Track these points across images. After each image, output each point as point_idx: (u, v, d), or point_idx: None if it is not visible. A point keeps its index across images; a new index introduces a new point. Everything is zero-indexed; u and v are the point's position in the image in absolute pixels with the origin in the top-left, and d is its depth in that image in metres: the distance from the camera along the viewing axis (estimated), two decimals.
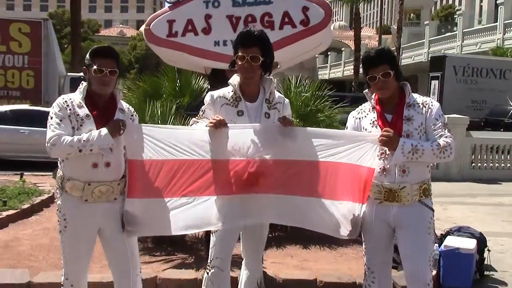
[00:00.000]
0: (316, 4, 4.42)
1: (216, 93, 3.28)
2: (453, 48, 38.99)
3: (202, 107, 3.31)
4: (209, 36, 4.43)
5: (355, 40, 33.97)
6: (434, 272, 3.27)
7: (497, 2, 35.41)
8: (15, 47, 16.69)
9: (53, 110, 3.04)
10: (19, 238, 5.59)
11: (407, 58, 37.78)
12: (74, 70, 20.05)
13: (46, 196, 7.30)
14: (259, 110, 3.23)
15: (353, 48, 37.87)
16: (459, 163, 11.35)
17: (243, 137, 3.13)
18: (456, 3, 68.43)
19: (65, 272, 3.17)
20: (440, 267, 4.55)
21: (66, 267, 3.16)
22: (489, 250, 5.07)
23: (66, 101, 3.06)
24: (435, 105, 3.14)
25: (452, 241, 4.69)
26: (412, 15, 60.93)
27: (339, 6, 71.77)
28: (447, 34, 41.62)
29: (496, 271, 5.10)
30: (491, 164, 12.04)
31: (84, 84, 3.15)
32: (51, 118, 3.01)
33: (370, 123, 3.20)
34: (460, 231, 5.03)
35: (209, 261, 3.28)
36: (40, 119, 8.16)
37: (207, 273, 3.27)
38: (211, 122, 3.10)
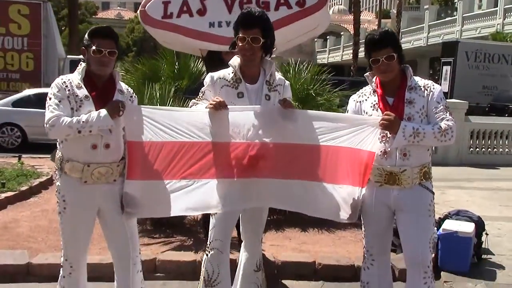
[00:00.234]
0: None
1: (216, 74, 3.25)
2: (452, 33, 38.77)
3: (202, 89, 3.29)
4: (204, 18, 4.40)
5: (354, 24, 33.66)
6: (433, 255, 3.26)
7: None
8: (15, 29, 16.56)
9: (51, 90, 3.02)
10: (17, 220, 5.59)
11: (406, 43, 37.55)
12: (71, 52, 19.94)
13: (44, 178, 7.29)
14: (259, 92, 3.21)
15: (352, 32, 37.63)
16: (457, 148, 11.35)
17: (243, 119, 3.11)
18: None
19: (65, 253, 3.17)
20: (438, 250, 4.57)
21: (66, 248, 3.16)
22: (487, 234, 5.09)
23: (64, 82, 3.04)
24: (437, 88, 3.12)
25: (450, 225, 4.70)
26: None
27: None
28: (447, 19, 41.38)
29: (494, 254, 5.11)
30: (489, 149, 12.04)
31: (83, 65, 3.12)
32: (50, 99, 2.99)
33: (371, 106, 3.18)
34: (458, 214, 5.04)
35: (208, 243, 3.28)
36: None
37: (207, 255, 3.27)
38: (211, 104, 3.08)
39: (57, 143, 3.11)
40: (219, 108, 3.06)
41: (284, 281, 4.24)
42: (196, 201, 3.13)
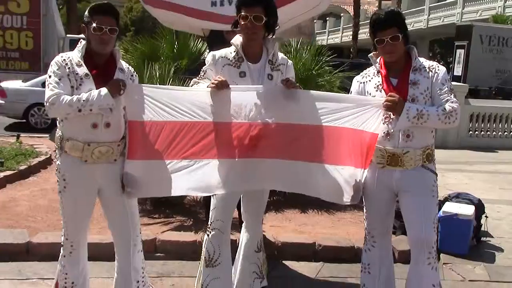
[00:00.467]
0: None
1: (218, 53, 3.20)
2: (453, 16, 38.52)
3: (203, 67, 3.24)
4: None
5: (354, 5, 33.36)
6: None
7: None
8: (14, 7, 16.35)
9: (51, 68, 2.97)
10: (16, 199, 5.58)
11: (407, 25, 37.30)
12: (70, 31, 19.77)
13: (43, 157, 7.26)
14: (261, 71, 3.17)
15: (352, 14, 37.35)
16: (456, 131, 11.32)
17: (245, 99, 3.08)
18: None
19: (65, 232, 3.15)
20: (438, 232, 4.57)
21: (66, 227, 3.14)
22: (486, 217, 5.10)
23: (64, 60, 2.99)
24: (442, 69, 3.08)
25: (450, 207, 4.70)
26: None
27: None
28: (447, 1, 41.06)
29: (493, 237, 5.14)
30: (488, 132, 12.04)
31: (83, 43, 3.06)
32: (50, 76, 2.94)
33: (375, 87, 3.14)
34: (458, 197, 5.04)
35: (209, 223, 3.27)
36: None
37: (208, 235, 3.27)
38: (212, 83, 3.04)
39: (57, 122, 3.07)
40: (221, 87, 3.02)
41: (284, 262, 4.24)
42: (197, 181, 3.10)
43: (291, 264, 4.24)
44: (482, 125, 12.03)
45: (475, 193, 5.76)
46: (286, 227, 5.03)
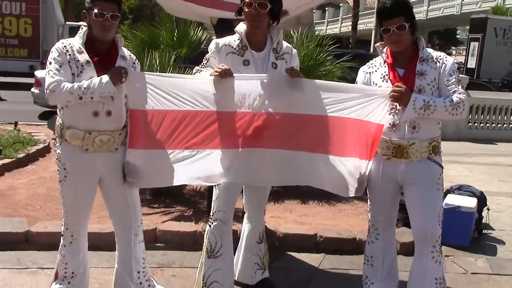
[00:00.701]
0: None
1: (222, 41, 3.15)
2: (452, 7, 38.40)
3: (206, 55, 3.19)
4: None
5: None
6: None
7: None
8: None
9: (52, 55, 2.91)
10: (15, 187, 5.52)
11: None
12: (67, 19, 19.59)
13: (41, 145, 7.18)
14: (266, 60, 3.12)
15: (351, 4, 37.16)
16: (455, 122, 11.28)
17: (249, 88, 3.03)
18: None
19: (65, 222, 3.11)
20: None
21: (66, 217, 3.09)
22: (488, 209, 5.08)
23: (65, 46, 2.93)
24: (449, 60, 3.03)
25: (453, 199, 4.67)
26: None
27: None
28: None
29: (494, 229, 5.12)
30: (487, 124, 12.01)
31: (84, 29, 3.00)
32: (50, 63, 2.88)
33: (381, 78, 3.09)
34: (460, 189, 5.01)
35: (211, 214, 3.24)
36: None
37: (210, 226, 3.23)
38: (216, 71, 2.99)
39: (58, 110, 3.02)
40: (224, 76, 2.97)
41: (285, 253, 4.21)
42: (199, 171, 3.06)
43: (292, 255, 4.21)
44: (482, 117, 12.00)
45: (474, 185, 5.73)
46: (286, 218, 5.00)
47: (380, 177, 3.13)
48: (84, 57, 2.92)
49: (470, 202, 4.65)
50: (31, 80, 15.81)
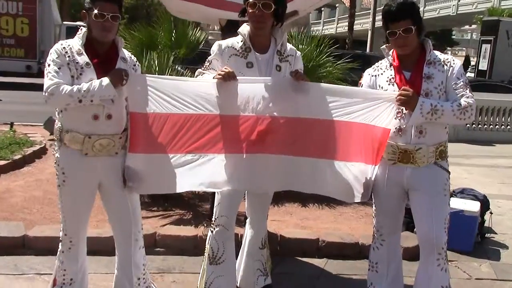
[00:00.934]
0: None
1: (224, 42, 3.08)
2: (448, 8, 38.48)
3: (209, 57, 3.12)
4: None
5: None
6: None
7: None
8: None
9: (50, 56, 2.83)
10: (11, 190, 5.43)
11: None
12: (62, 18, 19.50)
13: (38, 147, 7.07)
14: (270, 62, 3.05)
15: (347, 4, 37.16)
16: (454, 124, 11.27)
17: (253, 92, 2.96)
18: None
19: (64, 228, 3.04)
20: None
21: (65, 222, 3.02)
22: (491, 213, 5.03)
23: (64, 48, 2.85)
24: (457, 63, 2.97)
25: (456, 203, 4.62)
26: None
27: None
28: None
29: (496, 233, 5.08)
30: (485, 126, 11.98)
31: (83, 30, 2.93)
32: (49, 65, 2.81)
33: (387, 81, 3.03)
34: (463, 193, 4.96)
35: (213, 219, 3.17)
36: None
37: (212, 232, 3.17)
38: (219, 74, 2.92)
39: (56, 113, 2.95)
40: (228, 79, 2.90)
41: (287, 258, 4.14)
42: (202, 177, 2.99)
43: (294, 260, 4.14)
44: (480, 118, 11.97)
45: (475, 187, 5.69)
46: (287, 222, 4.94)
47: (386, 182, 3.07)
48: (83, 59, 2.85)
49: (474, 206, 4.60)
50: (27, 80, 15.80)
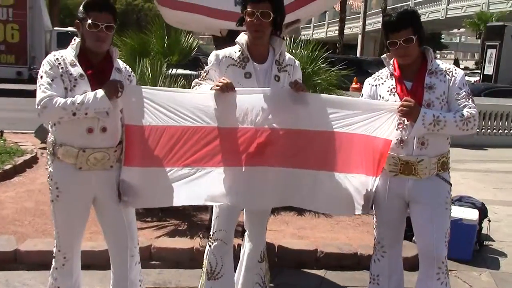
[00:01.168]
0: None
1: (222, 52, 3.01)
2: (438, 12, 38.77)
3: (206, 68, 3.05)
4: None
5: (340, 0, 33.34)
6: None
7: None
8: None
9: (43, 68, 2.75)
10: (2, 201, 5.31)
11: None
12: (52, 24, 19.36)
13: (29, 156, 6.94)
14: (268, 72, 2.98)
15: (337, 9, 37.28)
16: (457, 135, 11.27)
17: (251, 103, 2.89)
18: None
19: (57, 244, 2.94)
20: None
21: (58, 238, 2.93)
22: (489, 221, 5.00)
23: (57, 59, 2.77)
24: (459, 73, 2.93)
25: (454, 212, 4.52)
26: None
27: None
28: None
29: (494, 241, 5.05)
30: (477, 130, 12.01)
31: (77, 40, 2.85)
32: (41, 77, 2.72)
33: (388, 91, 2.97)
34: (461, 200, 4.92)
35: (211, 233, 3.09)
36: None
37: (210, 246, 3.09)
38: (217, 85, 2.84)
39: (49, 126, 2.86)
40: (226, 90, 2.83)
41: (286, 270, 4.07)
42: (199, 190, 2.91)
43: (293, 272, 4.07)
44: None
45: (469, 193, 5.66)
46: (284, 231, 4.87)
47: (387, 194, 3.02)
48: (77, 70, 2.77)
49: (472, 214, 4.56)
50: (18, 86, 15.64)
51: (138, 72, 5.37)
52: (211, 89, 2.89)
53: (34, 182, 6.06)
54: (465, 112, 2.83)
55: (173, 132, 2.89)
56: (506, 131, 12.29)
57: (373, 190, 2.98)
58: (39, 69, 2.81)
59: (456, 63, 50.54)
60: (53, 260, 2.98)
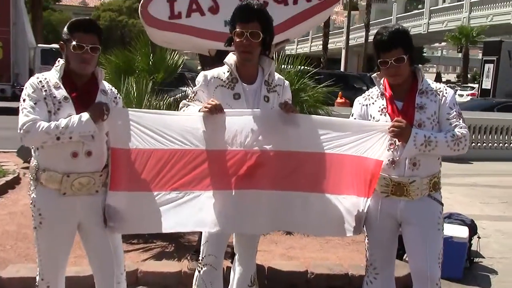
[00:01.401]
0: None
1: (210, 73, 2.96)
2: (420, 26, 39.32)
3: (194, 89, 2.99)
4: (217, 16, 4.07)
5: None
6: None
7: None
8: None
9: (26, 91, 2.67)
10: None
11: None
12: (35, 40, 19.20)
13: (11, 176, 6.78)
14: (257, 93, 2.93)
15: (321, 24, 37.60)
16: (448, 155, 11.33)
17: (241, 125, 2.83)
18: None
19: (40, 272, 2.84)
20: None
21: (41, 266, 2.83)
22: (479, 238, 4.98)
23: (41, 81, 2.70)
24: (450, 92, 2.91)
25: (444, 229, 4.51)
26: None
27: None
28: (414, 12, 41.88)
29: (484, 257, 5.02)
30: None
31: (61, 62, 2.78)
32: (24, 100, 2.65)
33: (379, 111, 2.94)
34: (451, 218, 4.90)
35: (200, 258, 3.01)
36: None
37: (199, 271, 3.01)
38: (205, 107, 2.78)
39: (32, 150, 2.77)
40: (215, 112, 2.77)
41: None
42: (188, 215, 2.83)
43: None
44: None
45: (457, 208, 5.66)
46: (273, 252, 4.79)
47: (379, 215, 2.97)
48: (61, 92, 2.70)
49: (462, 232, 4.53)
50: (1, 104, 15.40)
51: (123, 90, 5.30)
52: (199, 111, 2.82)
53: (16, 204, 5.91)
54: (457, 132, 2.81)
55: (161, 155, 2.81)
56: (490, 144, 12.41)
57: (365, 211, 2.93)
58: (22, 86, 2.73)
59: (438, 76, 51.18)
60: None
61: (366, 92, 3.07)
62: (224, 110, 2.79)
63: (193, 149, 2.82)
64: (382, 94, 2.96)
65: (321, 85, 6.41)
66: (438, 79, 43.38)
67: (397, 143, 2.84)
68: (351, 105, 3.19)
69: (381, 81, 2.97)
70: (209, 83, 2.92)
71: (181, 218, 2.83)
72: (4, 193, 6.31)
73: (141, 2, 4.21)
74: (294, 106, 2.99)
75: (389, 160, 2.87)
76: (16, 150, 7.97)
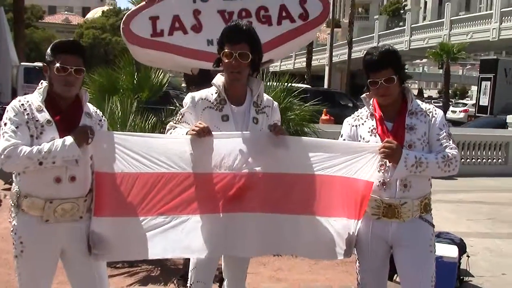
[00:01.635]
0: None
1: (198, 94, 2.90)
2: (401, 43, 39.82)
3: (181, 110, 2.94)
4: (200, 34, 4.06)
5: None
6: None
7: None
8: None
9: (7, 114, 2.59)
10: None
11: (357, 52, 38.31)
12: (18, 57, 18.99)
13: None
14: (246, 114, 2.88)
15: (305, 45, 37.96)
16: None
17: (229, 147, 2.77)
18: None
19: None
20: None
21: None
22: (468, 256, 4.95)
23: (23, 104, 2.61)
24: (439, 113, 2.89)
25: None
26: (361, 9, 61.87)
27: None
28: (395, 29, 42.47)
29: (473, 276, 4.99)
30: None
31: (44, 84, 2.70)
32: (5, 124, 2.56)
33: (368, 132, 2.90)
34: (440, 236, 4.86)
35: (189, 284, 2.93)
36: None
37: None
38: (193, 130, 2.72)
39: (13, 176, 2.67)
40: (202, 134, 2.71)
41: None
42: (175, 241, 2.75)
43: None
44: None
45: (443, 225, 5.61)
46: (261, 274, 4.71)
47: (370, 238, 2.92)
48: (44, 116, 2.62)
49: (452, 251, 4.50)
50: None
51: (108, 110, 5.21)
52: (187, 133, 2.76)
53: None
54: (447, 153, 2.78)
55: (147, 179, 2.74)
56: (473, 160, 12.50)
57: (355, 233, 2.88)
58: (6, 105, 2.64)
59: (420, 92, 51.81)
60: None
61: (356, 112, 3.04)
62: (212, 132, 2.74)
63: (181, 173, 2.75)
64: (372, 115, 2.93)
65: (308, 104, 6.39)
66: (420, 95, 43.95)
67: (388, 164, 2.80)
68: (336, 122, 3.18)
69: (371, 102, 2.94)
70: (196, 105, 2.86)
71: (168, 243, 2.75)
72: None
73: (123, 19, 4.17)
74: (285, 130, 2.94)
75: (379, 181, 2.83)
76: None
